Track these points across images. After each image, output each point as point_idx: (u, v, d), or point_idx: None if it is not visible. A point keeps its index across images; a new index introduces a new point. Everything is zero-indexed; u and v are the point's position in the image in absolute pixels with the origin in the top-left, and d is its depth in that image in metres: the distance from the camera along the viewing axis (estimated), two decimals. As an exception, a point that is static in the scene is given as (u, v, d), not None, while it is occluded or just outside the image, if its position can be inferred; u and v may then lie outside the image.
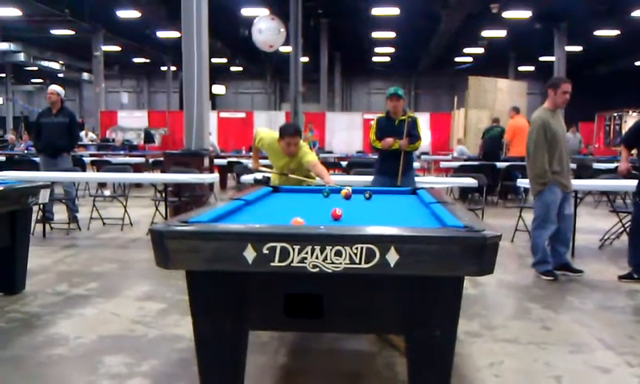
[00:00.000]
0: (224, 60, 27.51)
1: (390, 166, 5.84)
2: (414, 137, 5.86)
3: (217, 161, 11.40)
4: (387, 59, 29.55)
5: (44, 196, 4.66)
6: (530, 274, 5.46)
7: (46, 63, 28.23)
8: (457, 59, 28.23)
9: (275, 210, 3.37)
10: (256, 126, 21.13)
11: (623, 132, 16.13)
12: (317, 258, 2.14)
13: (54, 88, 7.88)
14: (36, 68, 28.99)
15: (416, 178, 6.27)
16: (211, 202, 7.70)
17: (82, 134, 18.32)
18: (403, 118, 5.84)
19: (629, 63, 26.53)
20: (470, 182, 7.06)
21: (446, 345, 2.35)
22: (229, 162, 12.20)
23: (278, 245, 2.15)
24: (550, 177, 5.14)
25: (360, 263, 2.14)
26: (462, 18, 18.24)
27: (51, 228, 7.40)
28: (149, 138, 20.14)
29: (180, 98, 25.27)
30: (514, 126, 11.05)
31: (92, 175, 9.22)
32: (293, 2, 15.63)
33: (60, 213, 7.84)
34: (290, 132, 4.70)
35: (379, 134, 5.89)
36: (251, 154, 5.70)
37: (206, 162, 8.11)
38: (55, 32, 22.50)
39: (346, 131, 21.08)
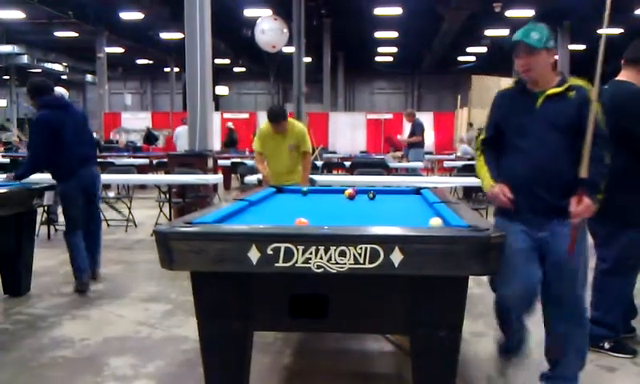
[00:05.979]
0: (227, 61, 27.54)
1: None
2: (599, 174, 2.53)
3: (221, 162, 11.40)
4: (390, 59, 29.53)
5: (48, 198, 4.68)
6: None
7: (49, 65, 28.30)
8: (460, 58, 28.19)
9: (279, 211, 3.37)
10: (259, 127, 21.09)
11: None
12: (321, 258, 2.14)
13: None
14: (40, 70, 29.06)
15: (421, 178, 5.95)
16: (215, 202, 7.69)
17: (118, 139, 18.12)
18: (555, 90, 2.67)
19: (633, 61, 26.40)
20: (473, 181, 7.05)
21: (450, 345, 2.35)
22: (232, 163, 12.20)
23: (282, 245, 2.15)
24: None
25: (364, 263, 2.14)
26: (465, 18, 18.22)
27: (56, 230, 7.41)
28: (151, 138, 19.94)
29: (183, 99, 25.28)
30: None
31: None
32: (295, 3, 15.62)
33: (64, 214, 7.85)
34: (271, 119, 5.19)
35: (494, 130, 2.81)
36: (255, 156, 5.79)
37: (210, 162, 8.11)
38: (59, 34, 22.58)
39: (350, 131, 21.05)
